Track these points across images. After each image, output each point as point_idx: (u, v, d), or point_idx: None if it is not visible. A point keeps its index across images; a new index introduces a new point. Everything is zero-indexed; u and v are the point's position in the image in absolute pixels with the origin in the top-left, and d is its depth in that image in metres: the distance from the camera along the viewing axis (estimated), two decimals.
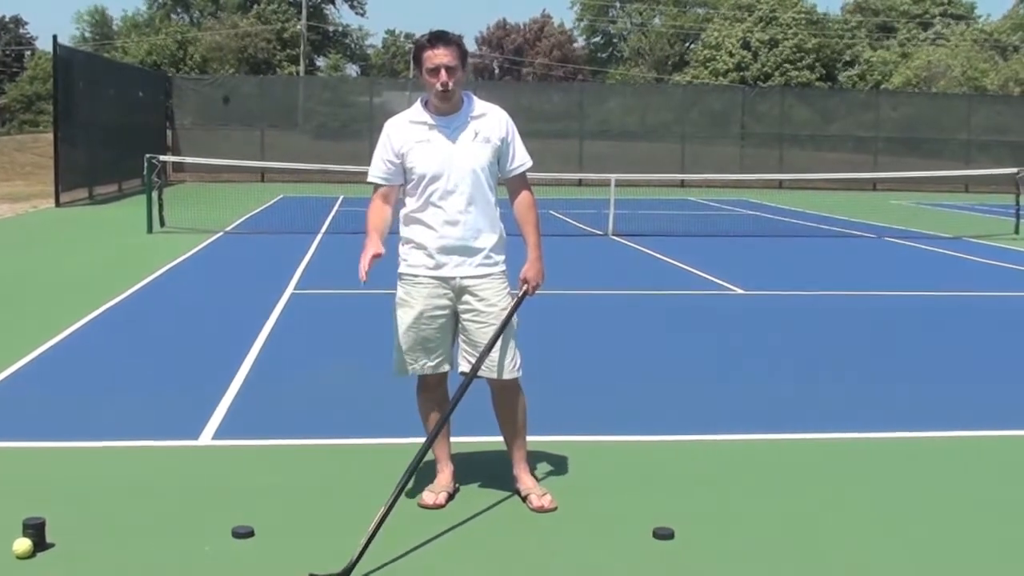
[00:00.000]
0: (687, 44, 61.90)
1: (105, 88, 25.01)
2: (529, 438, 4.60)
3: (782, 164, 32.65)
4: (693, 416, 5.95)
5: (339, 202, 21.56)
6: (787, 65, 52.20)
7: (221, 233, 15.40)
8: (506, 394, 4.47)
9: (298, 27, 57.65)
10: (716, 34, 54.38)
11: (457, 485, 4.53)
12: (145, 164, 16.08)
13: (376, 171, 4.43)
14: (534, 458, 4.77)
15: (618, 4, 66.91)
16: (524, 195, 4.51)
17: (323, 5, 63.78)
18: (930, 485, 4.80)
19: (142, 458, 5.04)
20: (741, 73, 51.81)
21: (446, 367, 4.48)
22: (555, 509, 4.34)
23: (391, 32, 69.45)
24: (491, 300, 4.36)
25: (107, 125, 24.22)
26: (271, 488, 4.61)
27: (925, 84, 49.08)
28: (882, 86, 50.45)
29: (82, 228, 16.70)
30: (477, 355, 4.33)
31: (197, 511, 4.30)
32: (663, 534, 4.04)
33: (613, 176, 18.99)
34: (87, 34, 62.69)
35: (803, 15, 54.51)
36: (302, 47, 57.04)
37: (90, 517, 4.22)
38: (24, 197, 22.58)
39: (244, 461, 5.06)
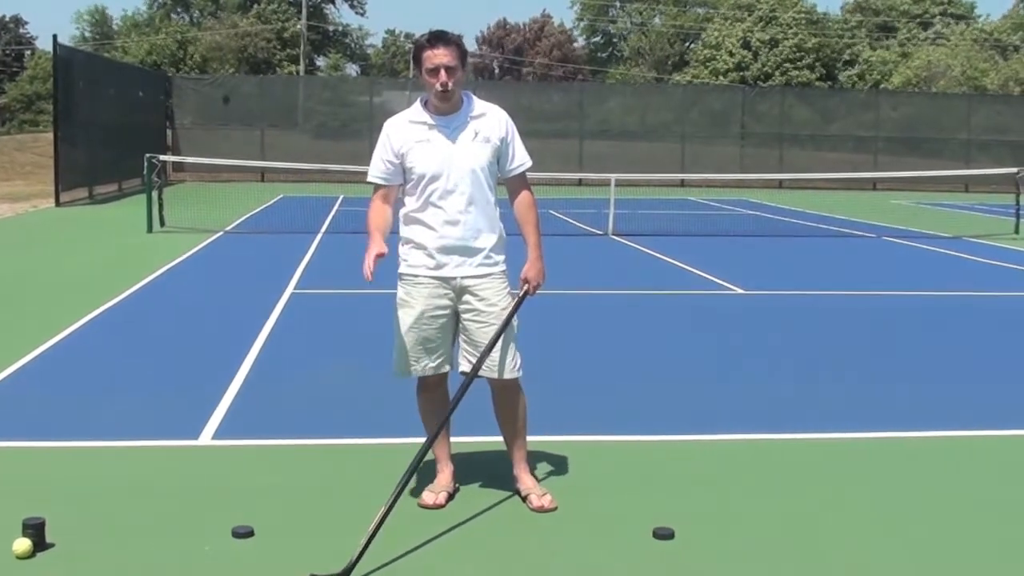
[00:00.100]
0: (687, 44, 61.91)
1: (105, 88, 25.01)
2: (529, 438, 4.60)
3: (782, 164, 32.65)
4: (693, 416, 5.95)
5: (339, 202, 21.55)
6: (787, 65, 52.20)
7: (221, 233, 15.40)
8: (506, 394, 4.47)
9: (298, 27, 57.66)
10: (716, 34, 54.39)
11: (457, 485, 4.53)
12: (145, 164, 16.09)
13: (376, 171, 4.43)
14: (534, 458, 4.77)
15: (618, 4, 66.90)
16: (524, 195, 4.51)
17: (323, 5, 63.79)
18: (930, 485, 4.80)
19: (142, 458, 5.04)
20: (741, 73, 51.81)
21: (447, 367, 4.48)
22: (555, 509, 4.34)
23: (391, 32, 69.57)
24: (491, 300, 4.36)
25: (107, 125, 24.22)
26: (271, 488, 4.61)
27: (925, 84, 49.07)
28: (882, 86, 50.44)
29: (82, 228, 16.70)
30: (478, 355, 4.33)
31: (197, 511, 4.30)
32: (663, 534, 4.04)
33: (613, 176, 19.00)
34: (87, 34, 62.71)
35: (803, 15, 54.52)
36: (302, 47, 57.05)
37: (90, 517, 4.22)
38: (24, 197, 22.59)
39: (244, 461, 5.06)
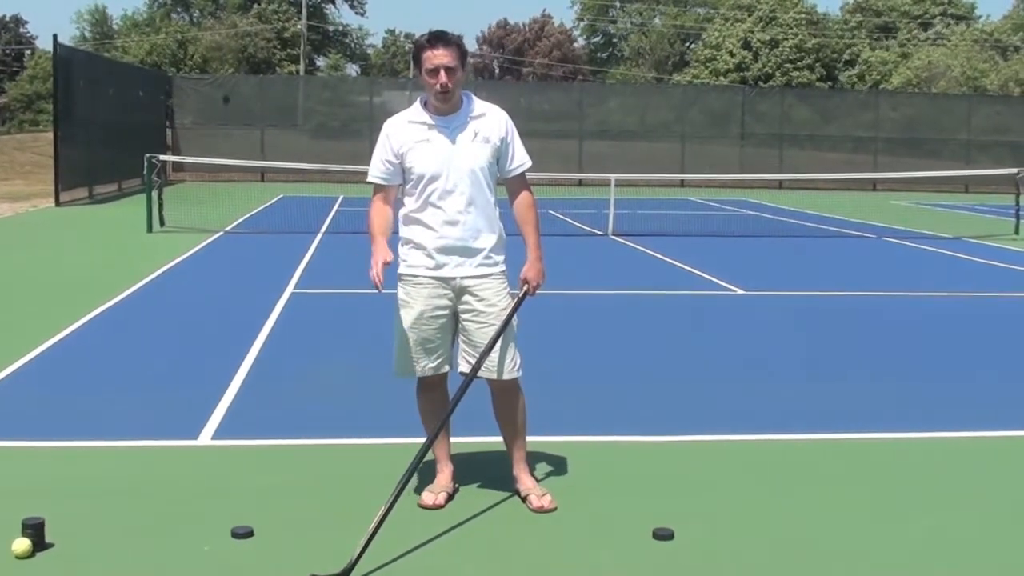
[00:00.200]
0: (687, 44, 61.92)
1: (105, 87, 24.99)
2: (529, 438, 4.60)
3: (782, 164, 32.64)
4: (693, 416, 5.95)
5: (339, 202, 21.55)
6: (788, 65, 52.21)
7: (221, 233, 15.39)
8: (506, 394, 4.47)
9: (298, 27, 57.66)
10: (717, 34, 54.40)
11: (457, 485, 4.53)
12: (145, 163, 16.08)
13: (375, 171, 4.43)
14: (534, 458, 4.77)
15: (618, 4, 66.89)
16: (524, 195, 4.51)
17: (323, 5, 63.77)
18: (930, 485, 4.80)
19: (142, 458, 5.04)
20: (742, 73, 51.83)
21: (446, 368, 4.48)
22: (555, 509, 4.34)
23: (391, 32, 69.54)
24: (491, 300, 4.36)
25: (107, 124, 24.21)
26: (271, 488, 4.61)
27: (925, 84, 49.07)
28: (882, 86, 50.44)
29: (82, 227, 16.69)
30: (477, 355, 4.33)
31: (197, 511, 4.30)
32: (663, 534, 4.04)
33: (613, 176, 19.00)
34: (87, 33, 62.67)
35: (803, 15, 54.52)
36: (302, 47, 57.04)
37: (89, 517, 4.22)
38: (24, 196, 22.59)
39: (244, 461, 5.06)
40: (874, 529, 4.20)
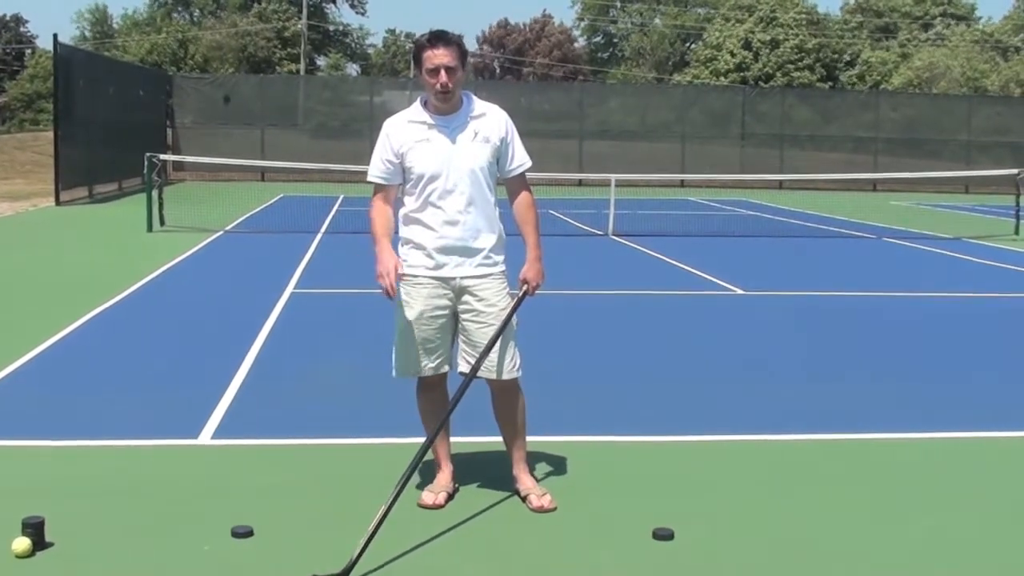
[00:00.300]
0: (688, 44, 61.92)
1: (105, 87, 24.99)
2: (529, 438, 4.60)
3: (782, 164, 32.62)
4: (693, 416, 5.95)
5: (339, 201, 21.55)
6: (788, 66, 52.21)
7: (221, 232, 15.39)
8: (506, 394, 4.47)
9: (298, 26, 57.67)
10: (717, 34, 54.40)
11: (457, 485, 4.53)
12: (145, 163, 16.08)
13: (375, 171, 4.43)
14: (534, 458, 4.77)
15: (619, 4, 66.90)
16: (524, 195, 4.51)
17: (324, 4, 63.81)
18: (930, 485, 4.80)
19: (142, 457, 5.04)
20: (742, 73, 51.83)
21: (446, 368, 4.48)
22: (555, 509, 4.34)
23: (392, 31, 69.55)
24: (491, 300, 4.36)
25: (107, 124, 24.21)
26: (271, 488, 4.61)
27: (926, 85, 49.08)
28: (882, 87, 50.44)
29: (82, 227, 16.69)
30: (477, 355, 4.33)
31: (197, 511, 4.30)
32: (663, 534, 4.04)
33: (613, 176, 18.99)
34: (87, 33, 62.68)
35: (804, 16, 54.52)
36: (302, 46, 57.04)
37: (89, 516, 4.22)
38: (24, 196, 22.59)
39: (244, 461, 5.06)
40: (874, 529, 4.20)
